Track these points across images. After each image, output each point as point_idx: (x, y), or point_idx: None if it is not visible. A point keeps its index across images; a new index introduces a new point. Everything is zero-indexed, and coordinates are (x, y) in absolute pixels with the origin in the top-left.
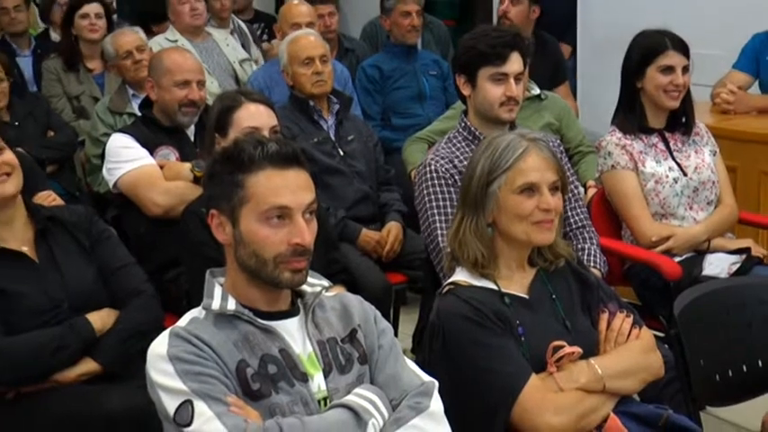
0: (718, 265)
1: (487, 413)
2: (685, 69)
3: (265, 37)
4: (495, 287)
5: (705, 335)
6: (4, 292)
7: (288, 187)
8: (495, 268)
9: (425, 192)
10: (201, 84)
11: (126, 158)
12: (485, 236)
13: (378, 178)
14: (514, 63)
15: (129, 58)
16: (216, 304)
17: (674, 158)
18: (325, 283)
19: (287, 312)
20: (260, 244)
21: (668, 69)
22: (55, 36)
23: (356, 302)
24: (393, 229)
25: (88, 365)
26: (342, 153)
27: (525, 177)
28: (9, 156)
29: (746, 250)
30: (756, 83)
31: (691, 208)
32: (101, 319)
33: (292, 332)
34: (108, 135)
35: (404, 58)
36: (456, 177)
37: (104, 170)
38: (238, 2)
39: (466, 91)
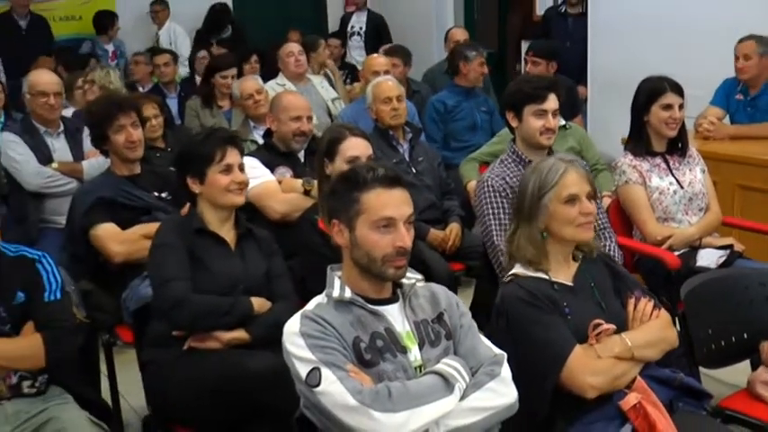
0: (708, 258)
1: (541, 375)
2: (681, 106)
3: (348, 80)
4: (546, 277)
5: (704, 313)
6: (204, 263)
7: (393, 203)
8: (547, 263)
9: (484, 202)
10: (310, 118)
11: (252, 176)
12: (535, 240)
13: (441, 190)
14: (551, 102)
15: (250, 99)
16: (336, 293)
17: (673, 175)
18: (419, 276)
19: (389, 299)
20: (371, 246)
21: (668, 107)
22: (198, 79)
23: (442, 291)
24: (454, 229)
25: (240, 334)
26: (414, 171)
27: (568, 190)
28: (245, 176)
29: (730, 246)
30: (727, 116)
31: (686, 213)
32: (259, 305)
33: (394, 314)
34: None
35: (464, 97)
36: (507, 191)
37: None
38: (334, 54)
39: (514, 123)
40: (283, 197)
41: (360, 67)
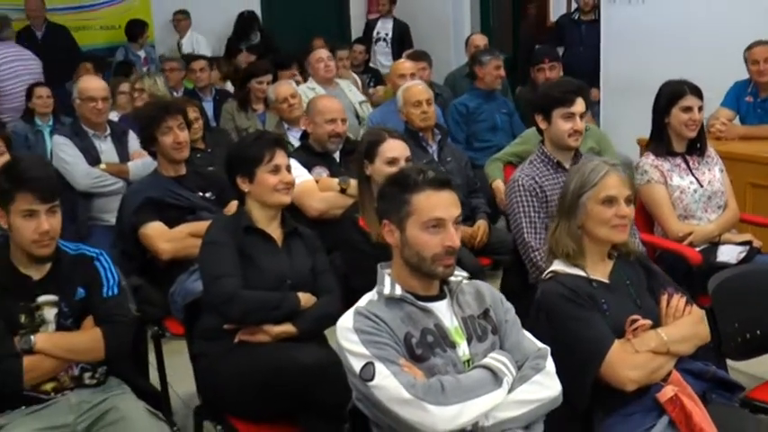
0: (728, 254)
1: (582, 369)
2: (700, 108)
3: (372, 84)
4: (584, 274)
5: (731, 307)
6: (253, 260)
7: (442, 204)
8: (584, 260)
9: (515, 200)
10: (344, 120)
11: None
12: (575, 236)
13: (468, 188)
14: (579, 105)
15: (285, 103)
16: (387, 290)
17: (693, 174)
18: (465, 273)
19: (437, 296)
20: (421, 246)
21: (688, 109)
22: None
23: (486, 288)
24: (482, 226)
25: (288, 328)
26: (443, 170)
27: (607, 191)
28: (291, 177)
29: (749, 242)
30: (737, 117)
31: (706, 211)
32: (305, 299)
33: (443, 311)
34: None
35: (484, 99)
36: (537, 190)
37: None
38: (359, 59)
39: (543, 126)
40: (321, 196)
41: (384, 72)
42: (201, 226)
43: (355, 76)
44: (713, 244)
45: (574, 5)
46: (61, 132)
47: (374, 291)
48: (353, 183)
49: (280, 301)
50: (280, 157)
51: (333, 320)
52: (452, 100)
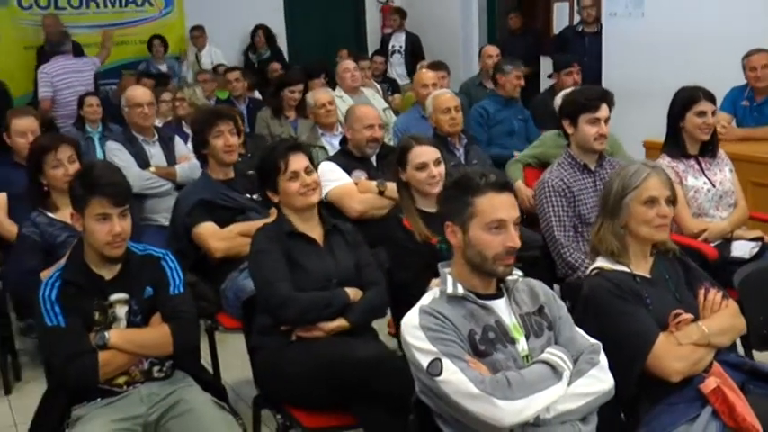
0: (741, 249)
1: (629, 361)
2: (713, 113)
3: (390, 92)
4: (628, 270)
5: (757, 300)
6: (299, 263)
7: (504, 206)
8: (627, 257)
9: (545, 201)
10: (381, 126)
11: (332, 179)
12: (618, 234)
13: None
14: (604, 110)
15: (323, 108)
16: (449, 289)
17: (706, 175)
18: (520, 272)
19: (495, 294)
20: (483, 246)
21: (702, 113)
22: None
23: (539, 286)
24: None
25: (341, 322)
26: None
27: (649, 193)
28: (313, 177)
29: (761, 238)
30: (734, 120)
31: (717, 209)
32: (353, 293)
33: (502, 308)
34: None
35: (503, 105)
36: (565, 190)
37: None
38: (379, 69)
39: (570, 130)
40: (360, 197)
41: (400, 82)
42: (251, 226)
43: (377, 85)
44: (726, 240)
45: (576, 18)
46: (114, 138)
47: (436, 289)
48: (390, 185)
49: (330, 298)
50: (295, 162)
51: (381, 311)
52: (467, 107)
